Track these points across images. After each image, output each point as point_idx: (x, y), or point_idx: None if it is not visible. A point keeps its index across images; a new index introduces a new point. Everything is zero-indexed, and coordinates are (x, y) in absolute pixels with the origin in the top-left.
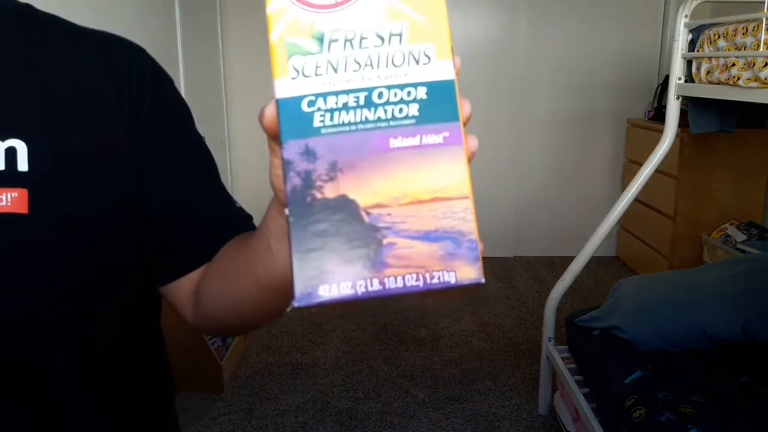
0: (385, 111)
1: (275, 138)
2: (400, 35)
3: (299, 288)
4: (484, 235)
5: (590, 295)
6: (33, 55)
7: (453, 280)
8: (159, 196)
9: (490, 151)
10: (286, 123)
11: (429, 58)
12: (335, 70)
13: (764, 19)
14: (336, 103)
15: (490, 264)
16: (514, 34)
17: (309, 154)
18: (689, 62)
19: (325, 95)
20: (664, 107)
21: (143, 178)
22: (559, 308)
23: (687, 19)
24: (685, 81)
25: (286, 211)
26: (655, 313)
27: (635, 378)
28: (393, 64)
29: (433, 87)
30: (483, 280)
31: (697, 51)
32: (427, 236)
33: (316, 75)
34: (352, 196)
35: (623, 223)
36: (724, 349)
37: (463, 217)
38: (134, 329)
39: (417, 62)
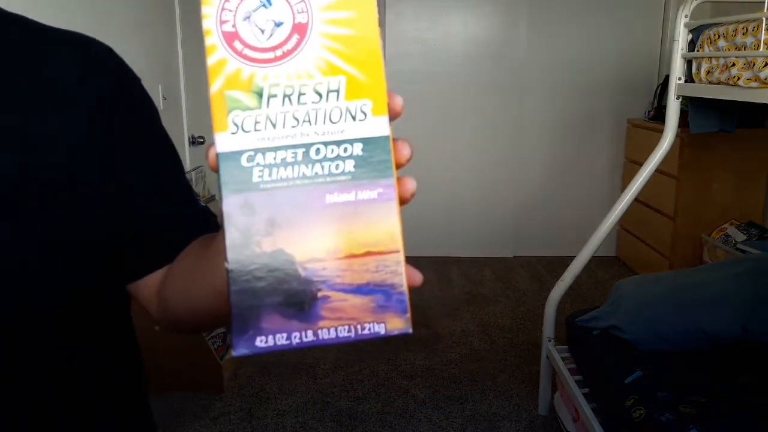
0: (322, 167)
1: None
2: (338, 91)
3: (237, 340)
4: (485, 235)
5: (590, 295)
6: None
7: (382, 331)
8: (123, 195)
9: (490, 152)
10: (227, 176)
11: (365, 115)
12: (274, 126)
13: (764, 19)
14: (274, 159)
15: (490, 264)
16: (515, 35)
17: (248, 208)
18: (689, 62)
19: (264, 151)
20: (664, 107)
21: (109, 177)
22: (559, 308)
23: (687, 19)
24: (685, 81)
25: (226, 264)
26: (655, 313)
27: (635, 378)
28: (330, 121)
29: (369, 143)
30: (410, 331)
31: (697, 51)
32: (359, 289)
33: (255, 130)
34: (289, 250)
35: (623, 223)
36: (724, 349)
37: (394, 271)
38: (103, 324)
39: (354, 119)
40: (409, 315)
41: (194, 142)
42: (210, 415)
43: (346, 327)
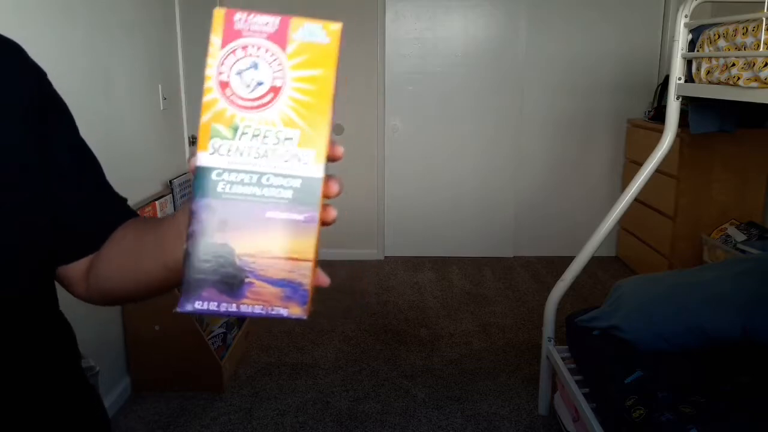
0: (269, 191)
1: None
2: (292, 139)
3: (183, 301)
4: (485, 235)
5: (590, 295)
6: None
7: (285, 314)
8: (49, 189)
9: (490, 152)
10: (199, 184)
11: (308, 161)
12: (240, 155)
13: (764, 19)
14: (236, 178)
15: (490, 264)
16: (515, 34)
17: (209, 209)
18: (689, 62)
19: (230, 171)
20: (664, 107)
21: (44, 172)
22: (559, 308)
23: (687, 19)
24: (685, 81)
25: (185, 246)
26: (656, 313)
27: (635, 378)
28: (282, 160)
29: (306, 181)
30: (305, 317)
31: (697, 51)
32: (276, 282)
33: (227, 155)
34: (232, 244)
35: (623, 223)
36: (724, 349)
37: (304, 274)
38: (39, 310)
39: (299, 161)
40: (307, 307)
41: (194, 142)
42: (210, 415)
43: (261, 306)
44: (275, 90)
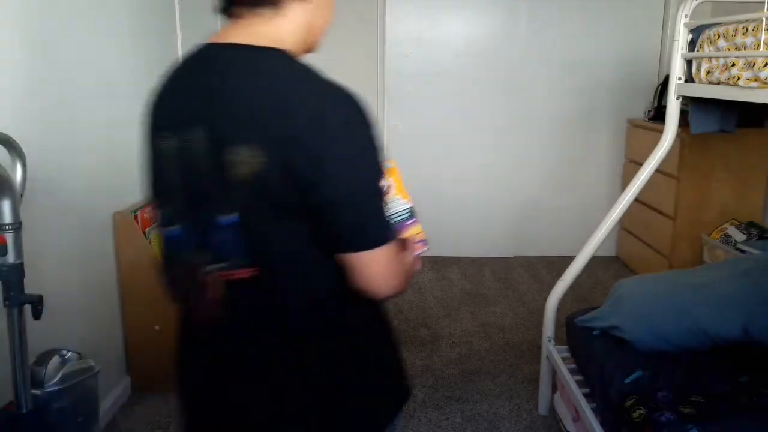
0: (404, 217)
1: None
2: (400, 199)
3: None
4: (485, 235)
5: (590, 295)
6: None
7: (425, 248)
8: None
9: (490, 152)
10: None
11: (406, 203)
12: (393, 208)
13: (764, 19)
14: (395, 216)
15: (490, 264)
16: (515, 34)
17: (395, 228)
18: (689, 62)
19: (392, 214)
20: (664, 107)
21: None
22: (559, 308)
23: (687, 19)
24: (685, 81)
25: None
26: (655, 313)
27: (635, 378)
28: (400, 205)
29: (410, 208)
30: (428, 246)
31: (697, 51)
32: (420, 242)
33: (391, 210)
34: (404, 235)
35: (623, 223)
36: (724, 349)
37: (425, 237)
38: None
39: (405, 204)
40: (428, 247)
41: None
42: None
43: (420, 251)
44: (388, 188)
